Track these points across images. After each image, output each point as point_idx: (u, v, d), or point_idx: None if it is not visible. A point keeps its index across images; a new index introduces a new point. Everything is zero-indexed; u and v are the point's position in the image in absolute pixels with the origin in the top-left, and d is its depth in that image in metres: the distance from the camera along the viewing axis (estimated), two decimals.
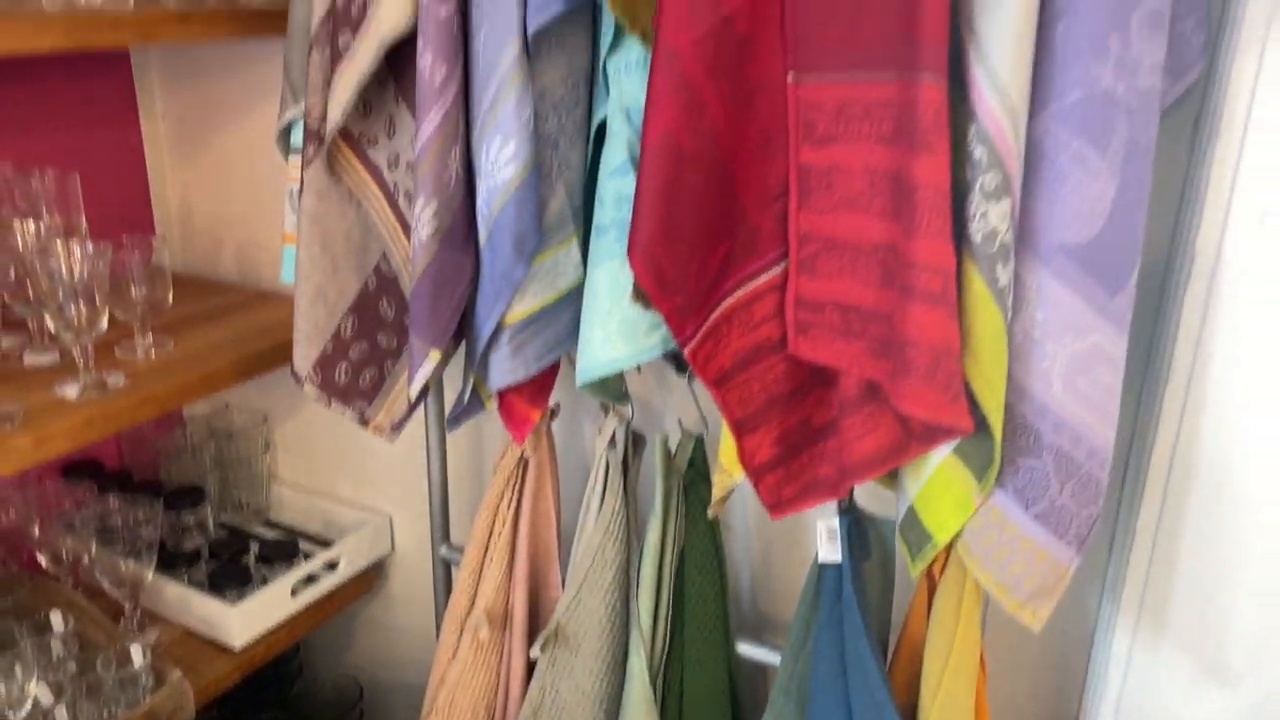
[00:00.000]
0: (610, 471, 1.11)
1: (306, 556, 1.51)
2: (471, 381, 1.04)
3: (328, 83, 0.99)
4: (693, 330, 0.86)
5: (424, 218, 0.94)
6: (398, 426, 1.16)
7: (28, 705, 1.11)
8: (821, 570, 1.00)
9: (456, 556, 1.38)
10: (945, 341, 0.75)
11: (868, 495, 1.05)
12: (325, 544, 1.56)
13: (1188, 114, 0.89)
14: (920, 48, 0.72)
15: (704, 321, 0.87)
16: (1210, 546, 0.89)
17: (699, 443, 1.13)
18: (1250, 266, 0.80)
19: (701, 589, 1.15)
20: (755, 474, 0.91)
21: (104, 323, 1.14)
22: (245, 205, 1.57)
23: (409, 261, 1.02)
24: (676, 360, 1.06)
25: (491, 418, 1.12)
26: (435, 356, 1.00)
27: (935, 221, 0.73)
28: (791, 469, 0.91)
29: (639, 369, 1.22)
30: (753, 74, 0.81)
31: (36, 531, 1.36)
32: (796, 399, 0.91)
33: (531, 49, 0.90)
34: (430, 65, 0.91)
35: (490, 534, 1.20)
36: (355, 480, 1.64)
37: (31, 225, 1.20)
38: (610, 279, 0.91)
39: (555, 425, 1.20)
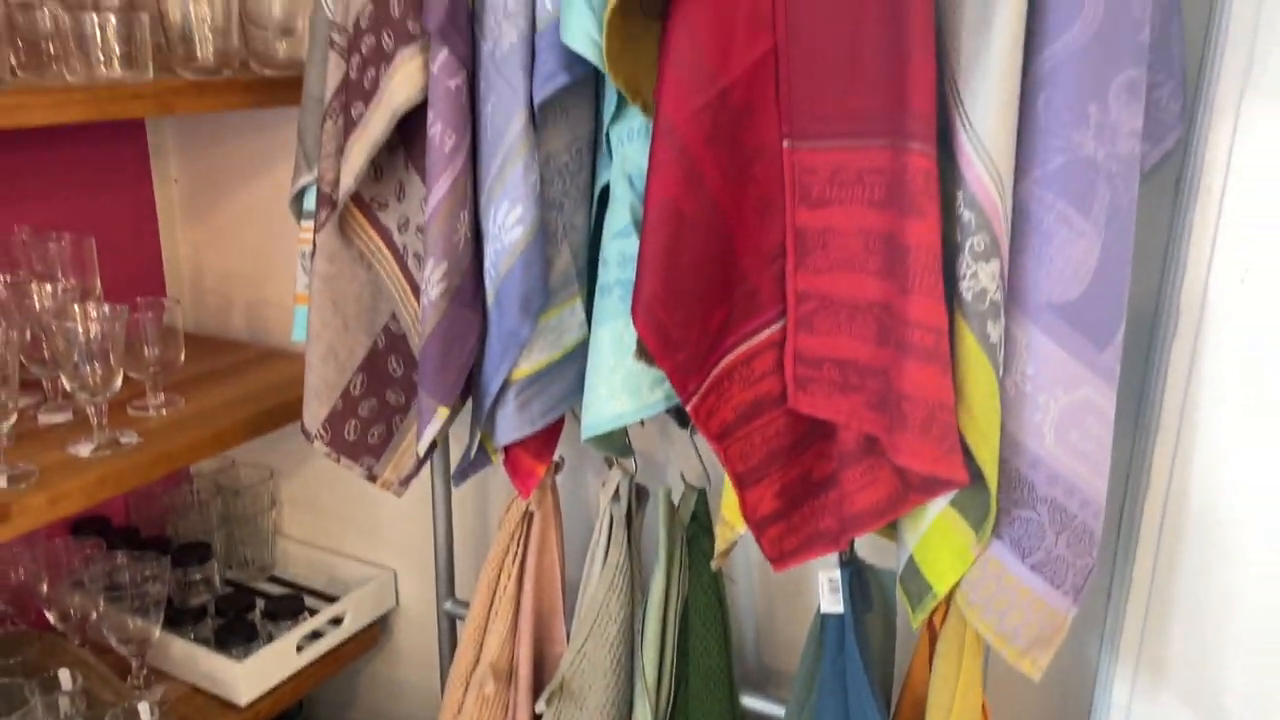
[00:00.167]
0: (614, 525, 1.13)
1: (312, 612, 1.52)
2: (478, 437, 1.07)
3: (341, 150, 1.03)
4: (695, 386, 0.89)
5: (434, 278, 0.97)
6: (405, 482, 1.18)
7: None
8: (824, 621, 1.01)
9: (461, 611, 1.39)
10: (939, 396, 0.78)
11: (869, 547, 1.06)
12: (330, 599, 1.57)
13: (1169, 176, 0.93)
14: (909, 117, 0.76)
15: (706, 377, 0.90)
16: (1205, 596, 0.91)
17: (702, 496, 1.14)
18: (1233, 321, 0.83)
19: (705, 641, 1.16)
20: (757, 527, 0.93)
21: (118, 382, 1.16)
22: (255, 265, 1.61)
23: (418, 321, 1.05)
24: (679, 414, 1.08)
25: (496, 472, 1.14)
26: (443, 413, 1.02)
27: (927, 281, 0.76)
28: (793, 521, 0.93)
29: (642, 423, 1.24)
30: (749, 141, 0.85)
31: (45, 589, 1.38)
32: (797, 452, 0.93)
33: (537, 117, 0.94)
34: (440, 134, 0.94)
35: (495, 588, 1.21)
36: (360, 535, 1.65)
37: (48, 288, 1.23)
38: (614, 336, 0.94)
39: (560, 479, 1.22)
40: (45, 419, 1.25)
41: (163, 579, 1.35)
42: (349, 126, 1.01)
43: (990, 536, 0.84)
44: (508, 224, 0.95)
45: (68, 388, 1.16)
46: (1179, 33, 0.85)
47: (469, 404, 1.07)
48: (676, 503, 1.13)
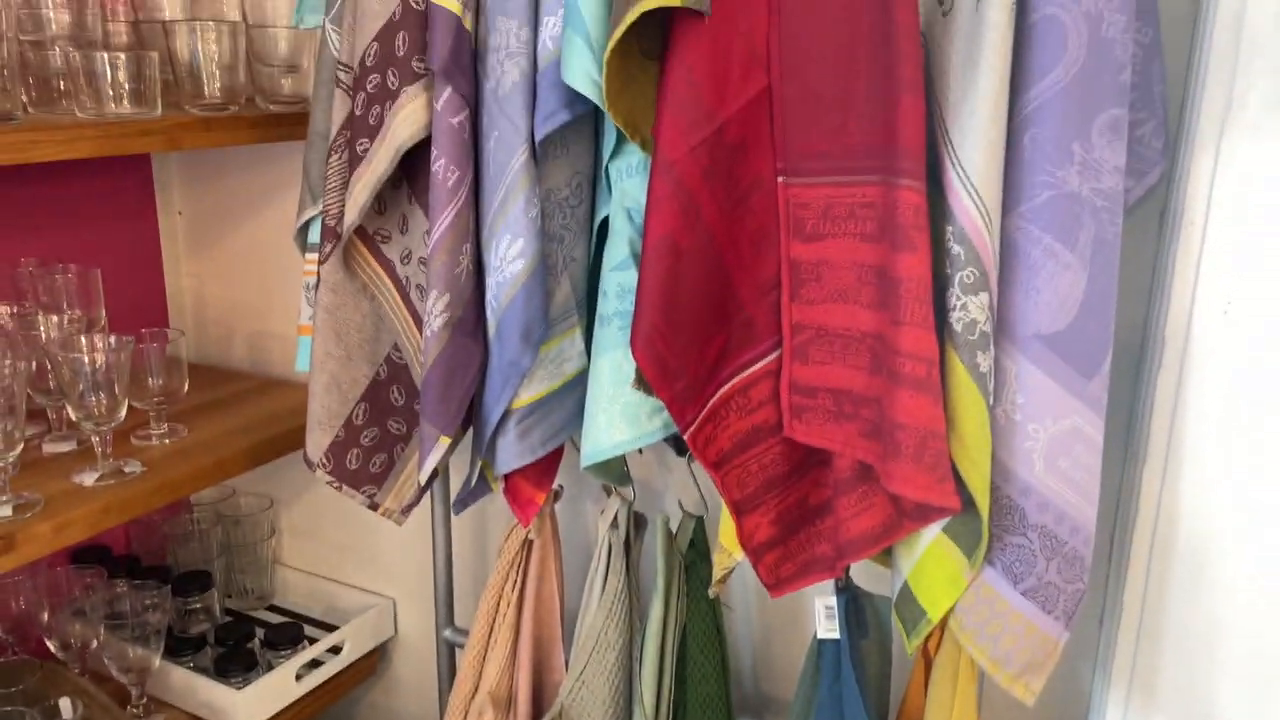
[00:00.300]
0: (613, 552, 1.14)
1: (311, 641, 1.53)
2: (479, 465, 1.08)
3: (345, 184, 1.05)
4: (693, 415, 0.91)
5: (436, 309, 0.99)
6: (406, 510, 1.19)
7: None
8: (820, 646, 1.02)
9: (460, 639, 1.40)
10: (931, 425, 0.80)
11: (864, 574, 1.08)
12: (329, 628, 1.58)
13: (1153, 210, 0.95)
14: (900, 154, 0.78)
15: (703, 406, 0.91)
16: (1194, 621, 0.92)
17: (699, 523, 1.16)
18: (1216, 352, 0.85)
19: (703, 668, 1.17)
20: (754, 553, 0.94)
21: (123, 412, 1.18)
22: (256, 296, 1.63)
23: (420, 351, 1.07)
24: (677, 443, 1.10)
25: (494, 501, 1.16)
26: (445, 442, 1.04)
27: (918, 313, 0.78)
28: (789, 547, 0.95)
29: (640, 451, 1.26)
30: (745, 176, 0.87)
31: (46, 617, 1.38)
32: (793, 480, 0.95)
33: (538, 153, 0.96)
34: (444, 169, 0.97)
35: (495, 616, 1.22)
36: (359, 564, 1.66)
37: (54, 319, 1.25)
38: (613, 367, 0.96)
39: (559, 507, 1.23)
40: (50, 448, 1.26)
41: (163, 608, 1.36)
42: (354, 161, 1.03)
43: (983, 563, 0.86)
44: (509, 257, 0.97)
45: (73, 417, 1.17)
46: (1160, 73, 0.88)
47: (470, 433, 1.09)
48: (674, 530, 1.15)
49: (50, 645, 1.37)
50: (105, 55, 1.13)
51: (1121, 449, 1.00)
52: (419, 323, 1.09)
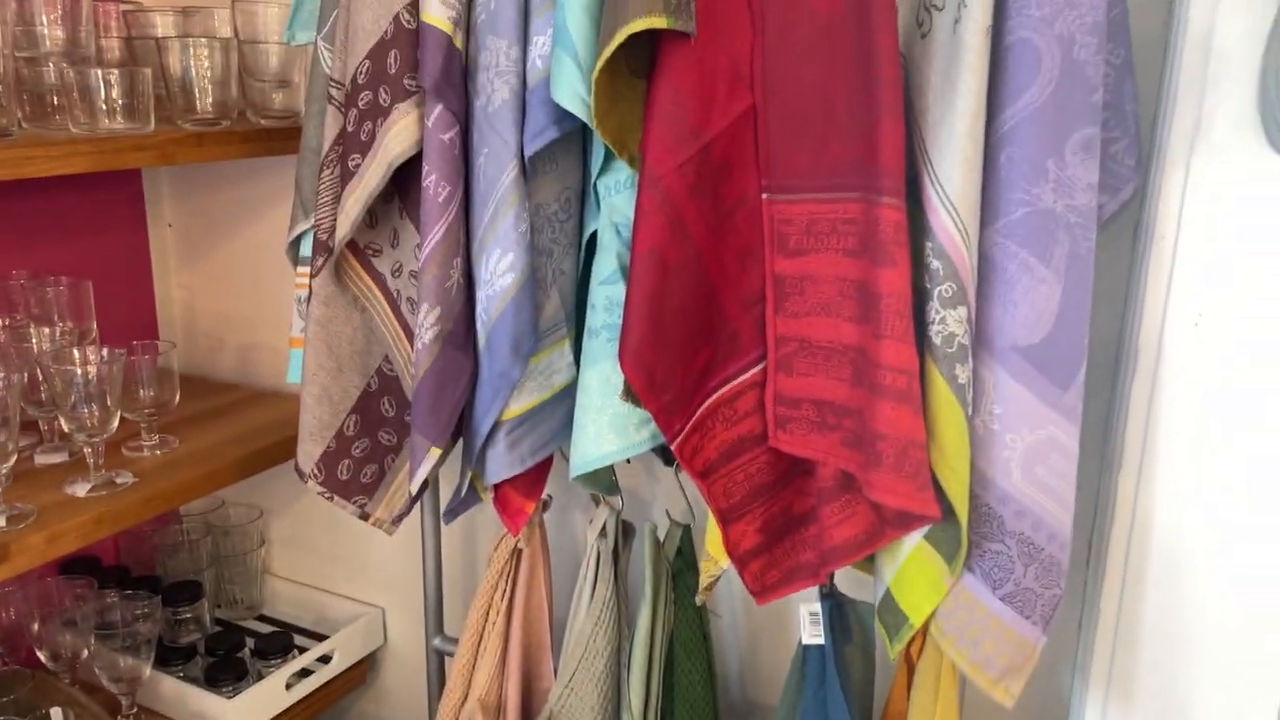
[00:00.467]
0: (601, 561, 1.16)
1: (300, 650, 1.54)
2: (469, 475, 1.10)
3: (337, 199, 1.07)
4: (680, 426, 0.92)
5: (427, 323, 1.01)
6: (397, 520, 1.21)
7: None
8: (805, 652, 1.04)
9: (449, 647, 1.41)
10: (912, 435, 0.82)
11: (848, 580, 1.10)
12: (319, 637, 1.58)
13: (1127, 224, 0.98)
14: (880, 172, 0.80)
15: (690, 417, 0.93)
16: (1169, 627, 0.94)
17: (686, 532, 1.18)
18: (1187, 364, 0.88)
19: (690, 675, 1.19)
20: (740, 561, 0.96)
21: (115, 424, 1.19)
22: (246, 308, 1.64)
23: (411, 363, 1.09)
24: (664, 453, 1.12)
25: (482, 511, 1.17)
26: (436, 453, 1.05)
27: (899, 326, 0.81)
28: (775, 555, 0.97)
29: (628, 461, 1.28)
30: (730, 193, 0.89)
31: (36, 628, 1.39)
32: (778, 489, 0.97)
33: (528, 169, 0.98)
34: (435, 184, 0.99)
35: (484, 624, 1.23)
36: (348, 574, 1.67)
37: (46, 331, 1.26)
38: (601, 378, 0.98)
39: (547, 516, 1.25)
40: (42, 459, 1.27)
41: (153, 618, 1.37)
42: (346, 177, 1.05)
43: (962, 569, 0.88)
44: (499, 271, 0.98)
45: (65, 429, 1.18)
46: (1132, 92, 0.91)
47: (460, 444, 1.10)
48: (662, 539, 1.16)
49: (41, 655, 1.38)
50: (99, 71, 1.14)
51: (1099, 458, 1.02)
52: (410, 335, 1.11)
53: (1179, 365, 0.88)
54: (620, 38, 0.82)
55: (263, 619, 1.68)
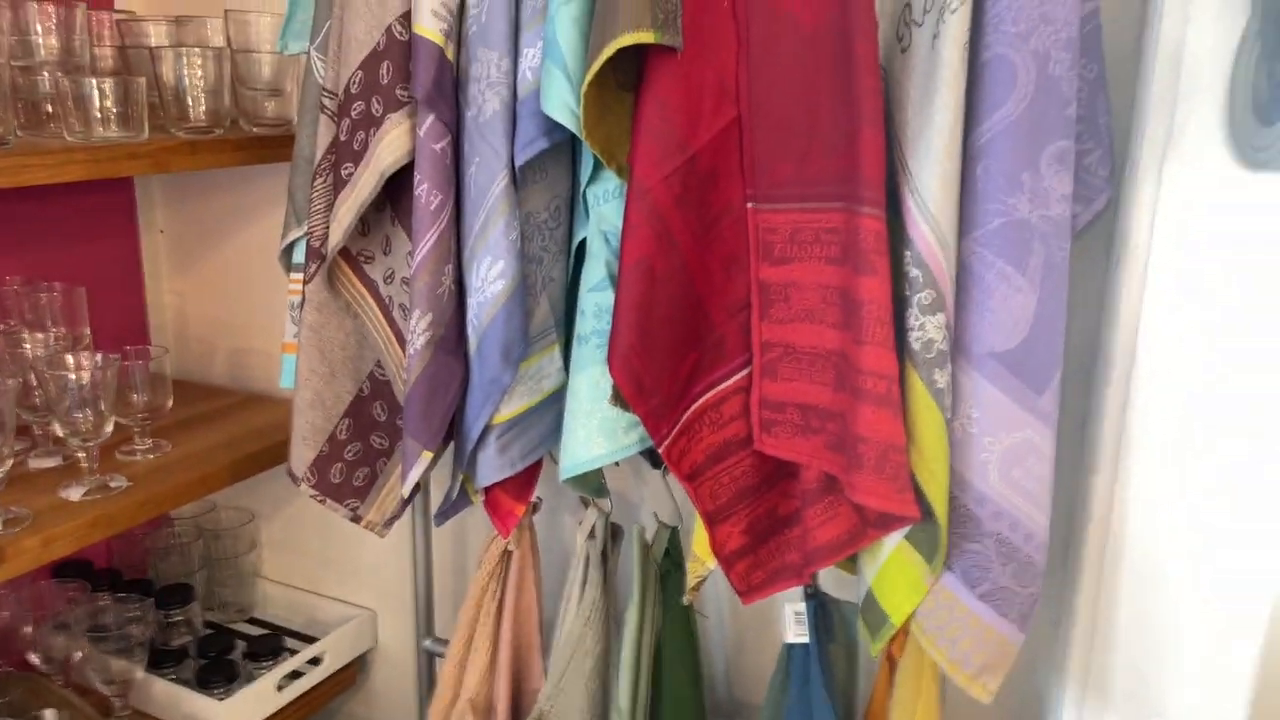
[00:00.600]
0: (590, 562, 1.18)
1: (291, 652, 1.55)
2: (460, 478, 1.12)
3: (330, 207, 1.09)
4: (667, 429, 0.95)
5: (419, 328, 1.03)
6: (389, 523, 1.22)
7: None
8: (790, 651, 1.06)
9: (439, 649, 1.43)
10: (892, 438, 0.84)
11: (831, 581, 1.12)
12: (310, 640, 1.60)
13: (1102, 233, 1.00)
14: (861, 183, 0.83)
15: (677, 421, 0.96)
16: (1143, 627, 0.96)
17: (674, 534, 1.20)
18: (1159, 370, 0.90)
19: (677, 674, 1.20)
20: (726, 562, 0.98)
21: (109, 428, 1.20)
22: (238, 312, 1.65)
23: (403, 368, 1.11)
24: (652, 456, 1.14)
25: (472, 513, 1.19)
26: (427, 457, 1.07)
27: (879, 333, 0.83)
28: (760, 556, 0.99)
29: (617, 464, 1.30)
30: (716, 203, 0.92)
31: (29, 630, 1.40)
32: (763, 491, 0.99)
33: (518, 178, 1.00)
34: (426, 193, 1.00)
35: (474, 625, 1.25)
36: (339, 577, 1.69)
37: (40, 336, 1.27)
38: (591, 383, 1.00)
39: (537, 519, 1.27)
40: (35, 464, 1.28)
41: (146, 620, 1.38)
42: (338, 185, 1.07)
43: (942, 569, 0.90)
44: (490, 278, 1.00)
45: (59, 434, 1.20)
46: (1105, 105, 0.93)
47: (451, 447, 1.12)
48: (650, 540, 1.18)
49: (34, 658, 1.39)
50: (93, 80, 1.15)
51: (1076, 461, 1.05)
52: (402, 341, 1.13)
53: (1151, 371, 0.91)
54: (608, 52, 0.84)
55: (254, 621, 1.69)
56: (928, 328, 0.84)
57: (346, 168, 1.06)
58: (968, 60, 0.81)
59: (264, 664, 1.52)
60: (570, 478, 1.03)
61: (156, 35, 1.33)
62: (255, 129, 1.34)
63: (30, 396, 1.25)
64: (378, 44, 1.03)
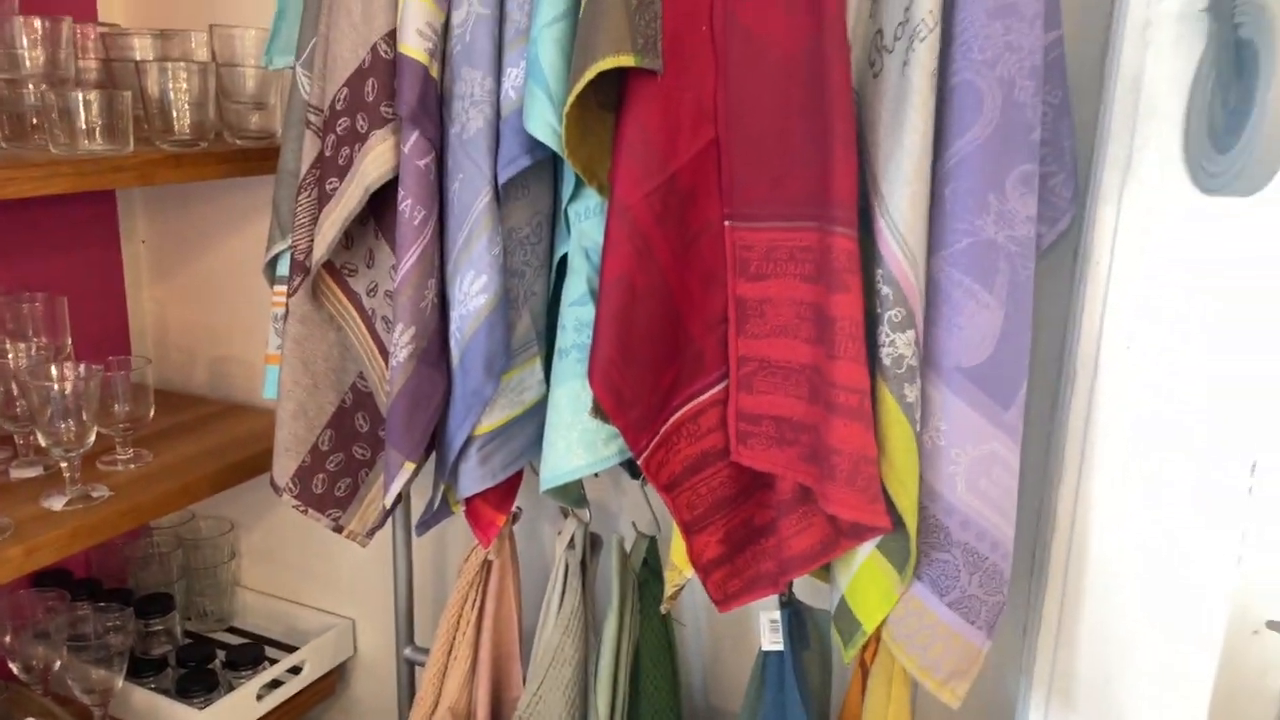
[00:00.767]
0: (569, 572, 1.20)
1: (271, 661, 1.56)
2: (442, 489, 1.13)
3: (314, 220, 1.10)
4: (646, 441, 0.97)
5: (402, 341, 1.04)
6: (371, 533, 1.24)
7: None
8: (765, 658, 1.09)
9: (420, 657, 1.44)
10: (863, 450, 0.87)
11: (806, 590, 1.14)
12: (290, 649, 1.61)
13: (1066, 252, 1.04)
14: (833, 203, 0.86)
15: (656, 433, 0.98)
16: (1105, 634, 0.99)
17: (652, 543, 1.22)
18: (1120, 385, 0.94)
19: (655, 682, 1.22)
20: (703, 571, 1.00)
21: (91, 438, 1.21)
22: (219, 323, 1.66)
23: (385, 380, 1.12)
24: (631, 467, 1.16)
25: (453, 523, 1.20)
26: (409, 467, 1.09)
27: (851, 348, 0.86)
28: (736, 565, 1.01)
29: (596, 475, 1.32)
30: (695, 221, 0.94)
31: (8, 640, 1.40)
32: (739, 501, 1.02)
33: (501, 194, 1.02)
34: (410, 208, 1.02)
35: (455, 634, 1.27)
36: (319, 586, 1.69)
37: (22, 346, 1.28)
38: (571, 396, 1.02)
39: (517, 528, 1.28)
40: (17, 474, 1.29)
41: (126, 630, 1.39)
42: (323, 199, 1.08)
43: (912, 577, 0.93)
44: (473, 292, 1.02)
45: (42, 443, 1.20)
46: (1069, 130, 0.97)
47: (433, 458, 1.14)
48: (628, 550, 1.20)
49: (13, 667, 1.39)
50: (79, 93, 1.16)
51: (1042, 473, 1.08)
52: (385, 353, 1.14)
53: (1113, 386, 0.94)
54: (590, 74, 0.87)
55: (233, 631, 1.70)
56: (898, 344, 0.86)
57: (331, 182, 1.08)
58: (936, 86, 0.84)
59: (244, 673, 1.52)
60: (551, 488, 1.04)
61: (142, 49, 1.34)
62: (239, 142, 1.35)
63: (12, 406, 1.26)
64: (363, 62, 1.05)
